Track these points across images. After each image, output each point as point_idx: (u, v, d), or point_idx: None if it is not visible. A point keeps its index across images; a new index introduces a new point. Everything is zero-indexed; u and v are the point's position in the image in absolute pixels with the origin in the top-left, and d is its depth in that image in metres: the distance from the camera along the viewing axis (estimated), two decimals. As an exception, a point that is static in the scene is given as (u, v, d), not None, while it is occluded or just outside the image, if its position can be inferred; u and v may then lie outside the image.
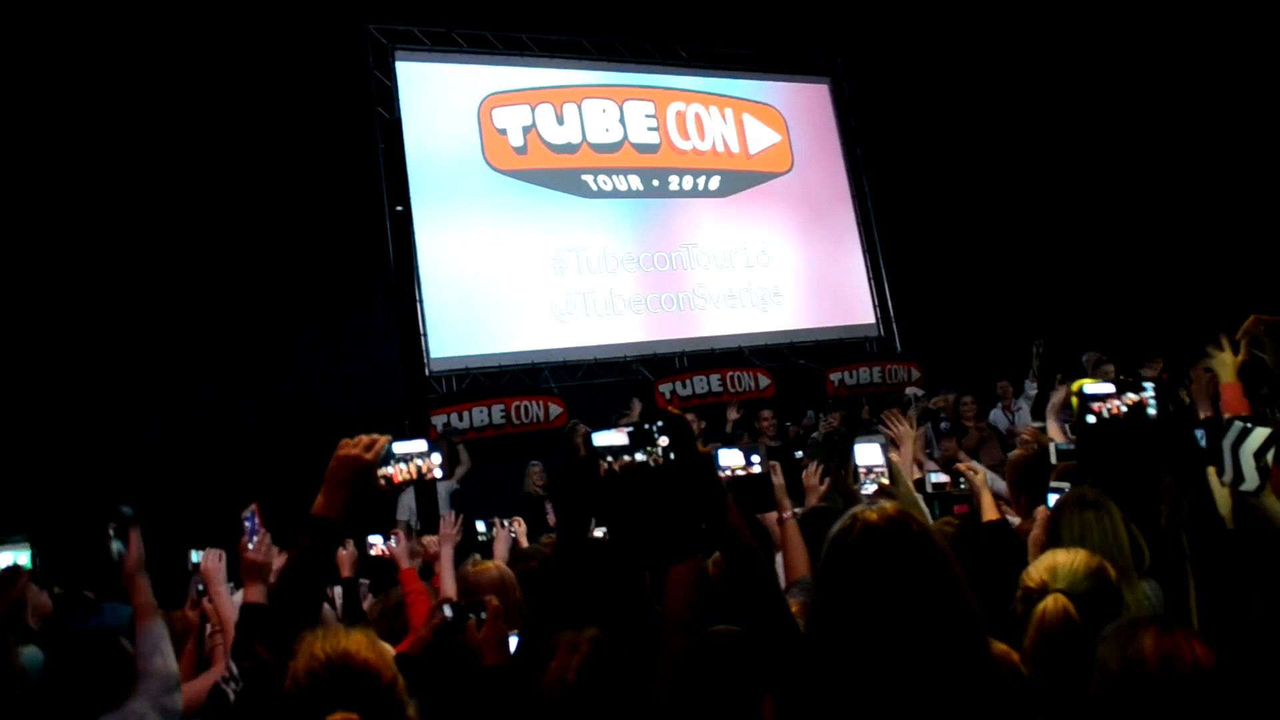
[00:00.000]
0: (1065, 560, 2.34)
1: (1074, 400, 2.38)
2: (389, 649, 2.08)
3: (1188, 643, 1.82)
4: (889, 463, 3.63)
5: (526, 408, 9.91)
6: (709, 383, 10.88)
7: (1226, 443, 2.90)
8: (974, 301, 12.06)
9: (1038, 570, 2.34)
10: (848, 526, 1.84)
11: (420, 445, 2.26)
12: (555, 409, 10.06)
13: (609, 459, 2.13)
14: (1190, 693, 1.78)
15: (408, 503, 8.16)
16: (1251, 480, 2.81)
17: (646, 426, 2.13)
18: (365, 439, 2.21)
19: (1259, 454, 2.83)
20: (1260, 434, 2.84)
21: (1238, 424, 2.88)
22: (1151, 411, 2.30)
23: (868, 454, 3.63)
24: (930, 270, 12.29)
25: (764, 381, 11.20)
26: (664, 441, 2.10)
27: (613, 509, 2.13)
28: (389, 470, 2.26)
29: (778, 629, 2.01)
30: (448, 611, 3.10)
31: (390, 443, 2.25)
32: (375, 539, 4.72)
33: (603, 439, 2.13)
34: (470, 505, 4.97)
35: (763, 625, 2.02)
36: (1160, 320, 10.21)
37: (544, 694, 1.61)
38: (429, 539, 4.38)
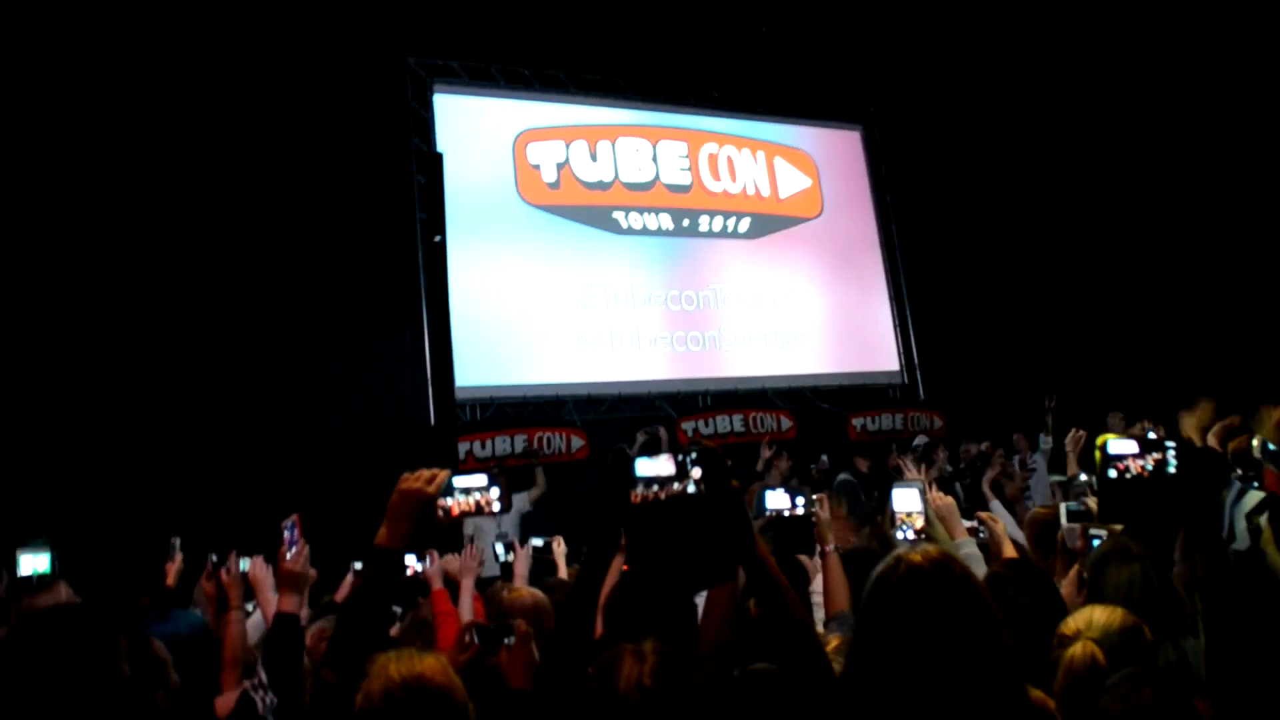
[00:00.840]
0: (1101, 615, 2.39)
1: (1097, 455, 2.44)
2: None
3: (1188, 696, 1.86)
4: (926, 509, 3.67)
5: (549, 439, 9.98)
6: (731, 422, 10.93)
7: (1228, 501, 2.94)
8: (997, 352, 12.09)
9: (1075, 620, 2.39)
10: (892, 567, 1.89)
11: (480, 480, 2.34)
12: (577, 441, 10.14)
13: (647, 488, 2.19)
14: None
15: (483, 525, 8.14)
16: (1242, 539, 2.86)
17: (681, 458, 2.19)
18: (427, 473, 2.31)
19: (1251, 515, 2.88)
20: (1255, 496, 2.89)
21: (1237, 483, 2.93)
22: (1171, 469, 2.36)
23: (905, 500, 3.67)
24: (955, 320, 12.33)
25: (786, 423, 11.23)
26: (697, 473, 2.14)
27: (641, 537, 2.18)
28: (448, 503, 2.36)
29: (806, 661, 2.07)
30: (475, 637, 3.16)
31: (451, 476, 2.34)
32: (409, 559, 4.74)
33: (646, 468, 2.17)
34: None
35: (791, 657, 2.07)
36: (1181, 377, 10.20)
37: (621, 702, 1.65)
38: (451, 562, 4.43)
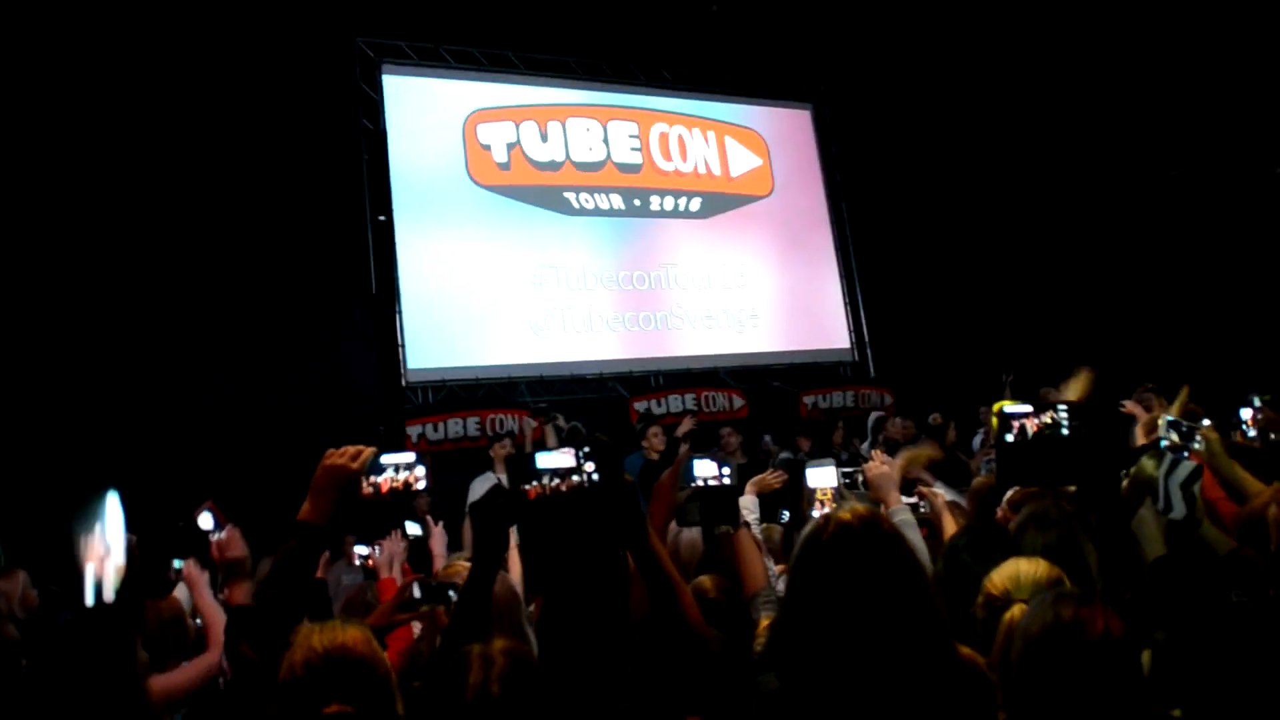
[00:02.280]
0: (1028, 570, 2.43)
1: (994, 420, 2.51)
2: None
3: (1104, 613, 1.94)
4: (839, 487, 3.72)
5: (502, 421, 9.97)
6: (684, 401, 10.97)
7: (1161, 472, 3.03)
8: (948, 328, 12.22)
9: (1001, 578, 2.44)
10: (821, 525, 1.93)
11: (408, 457, 2.35)
12: (530, 423, 10.15)
13: (545, 480, 2.19)
14: (1099, 655, 1.90)
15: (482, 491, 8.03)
16: (1179, 509, 2.95)
17: (579, 451, 2.18)
18: (351, 449, 2.31)
19: (1185, 484, 2.97)
20: (1188, 466, 2.98)
21: (1169, 455, 3.02)
22: (1064, 431, 2.43)
23: (819, 477, 3.73)
24: (905, 296, 12.45)
25: (738, 402, 11.31)
26: (590, 467, 2.15)
27: (535, 531, 2.18)
28: (378, 479, 2.37)
29: (694, 652, 2.10)
30: (417, 591, 3.19)
31: (378, 454, 2.35)
32: (360, 548, 4.71)
33: (547, 460, 2.16)
34: (441, 516, 4.99)
35: (679, 647, 2.10)
36: (1131, 348, 10.39)
37: (468, 708, 1.67)
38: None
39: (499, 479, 8.05)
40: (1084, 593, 2.14)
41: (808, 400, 11.72)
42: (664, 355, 11.38)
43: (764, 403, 11.47)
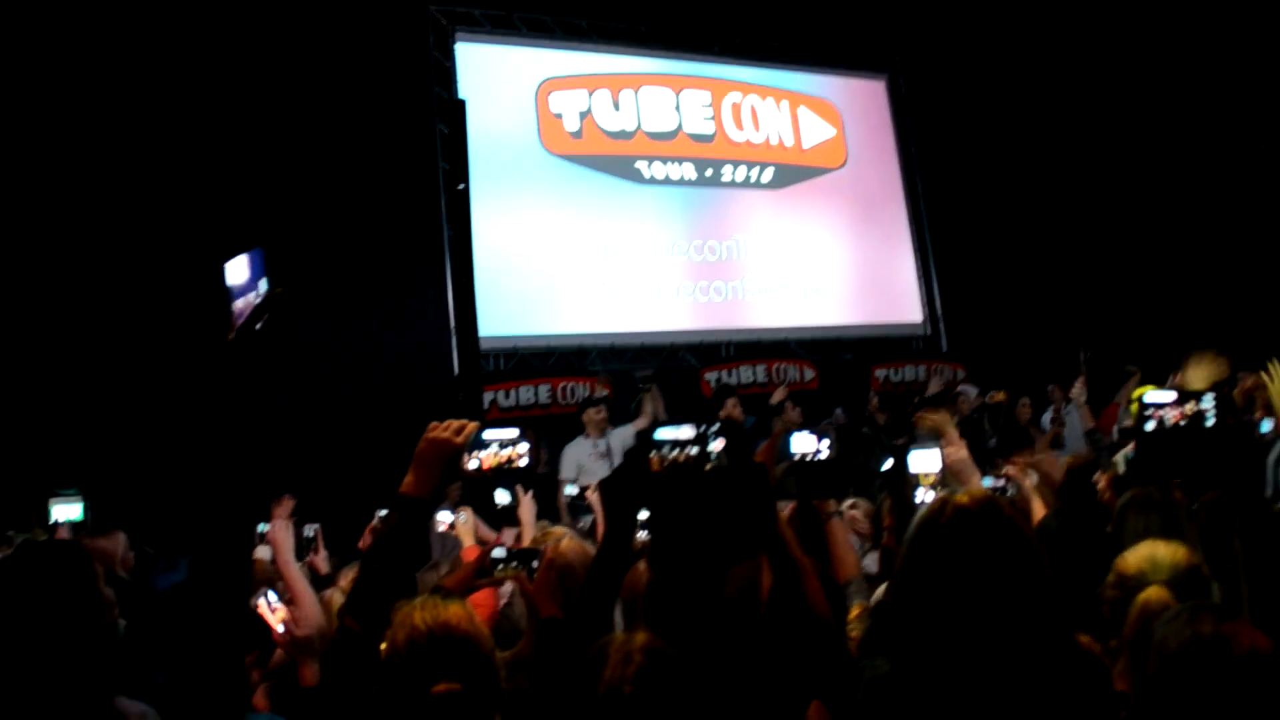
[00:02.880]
0: (1166, 553, 2.36)
1: (1134, 408, 2.43)
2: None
3: (1247, 629, 1.86)
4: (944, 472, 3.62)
5: (572, 389, 10.00)
6: (755, 372, 10.93)
7: (1270, 460, 2.93)
8: (1023, 304, 12.00)
9: (1135, 559, 2.37)
10: (938, 509, 1.86)
11: (511, 432, 2.32)
12: (601, 391, 10.15)
13: (666, 452, 2.17)
14: (1245, 674, 1.81)
15: (576, 457, 8.07)
16: None
17: (702, 429, 2.16)
18: (455, 423, 2.27)
19: None
20: None
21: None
22: (1210, 422, 2.34)
23: (922, 461, 3.63)
24: (980, 271, 12.22)
25: (809, 374, 11.24)
26: (718, 445, 2.13)
27: (663, 506, 2.15)
28: (481, 454, 2.31)
29: (820, 641, 2.07)
30: (499, 552, 3.19)
31: (481, 429, 2.31)
32: (443, 514, 4.68)
33: (665, 433, 2.15)
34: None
35: (803, 636, 2.07)
36: (1212, 331, 10.12)
37: (600, 703, 1.65)
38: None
39: (593, 444, 8.04)
40: (1226, 605, 2.08)
41: (879, 373, 11.60)
42: (734, 326, 11.34)
43: (834, 375, 11.36)
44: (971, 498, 1.86)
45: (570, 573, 2.94)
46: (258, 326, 1.90)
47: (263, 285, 1.90)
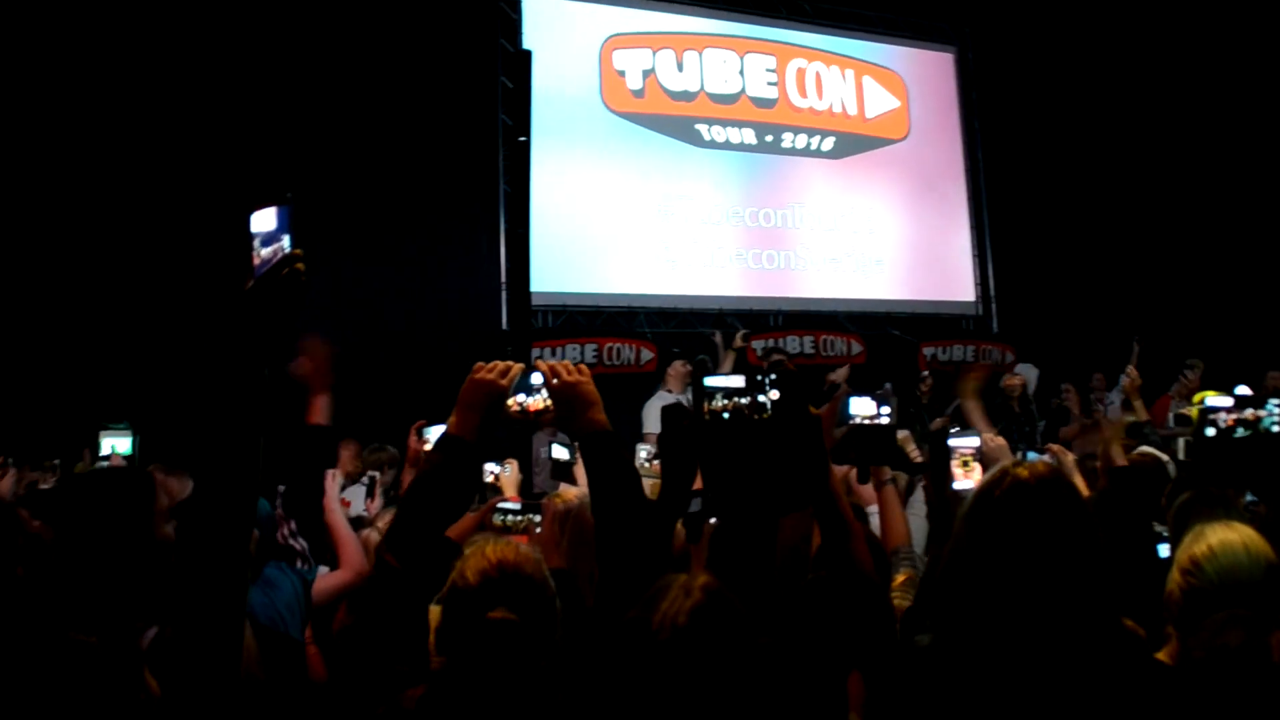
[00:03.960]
0: (1237, 540, 2.31)
1: (1194, 413, 2.39)
2: None
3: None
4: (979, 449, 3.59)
5: (619, 350, 10.03)
6: (801, 343, 10.87)
7: None
8: (1078, 288, 11.83)
9: (1211, 542, 2.32)
10: (996, 480, 1.83)
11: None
12: (647, 354, 10.16)
13: (717, 400, 2.16)
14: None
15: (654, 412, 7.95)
16: None
17: (759, 377, 2.15)
18: (501, 365, 2.27)
19: None
20: None
21: None
22: (1275, 428, 2.30)
23: (961, 439, 3.60)
24: (1036, 254, 12.04)
25: (856, 348, 11.16)
26: (774, 395, 2.12)
27: (715, 454, 2.15)
28: (526, 400, 2.31)
29: (865, 608, 2.08)
30: (506, 505, 3.24)
31: (527, 372, 2.30)
32: (491, 465, 4.67)
33: (716, 380, 2.15)
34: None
35: (849, 602, 2.07)
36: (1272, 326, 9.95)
37: (653, 634, 1.68)
38: None
39: (674, 399, 8.03)
40: (1262, 618, 2.05)
41: (927, 351, 11.49)
42: (784, 295, 11.28)
43: (882, 350, 11.29)
44: (1031, 470, 1.82)
45: (577, 525, 2.99)
46: (274, 282, 1.92)
47: (286, 241, 1.93)
